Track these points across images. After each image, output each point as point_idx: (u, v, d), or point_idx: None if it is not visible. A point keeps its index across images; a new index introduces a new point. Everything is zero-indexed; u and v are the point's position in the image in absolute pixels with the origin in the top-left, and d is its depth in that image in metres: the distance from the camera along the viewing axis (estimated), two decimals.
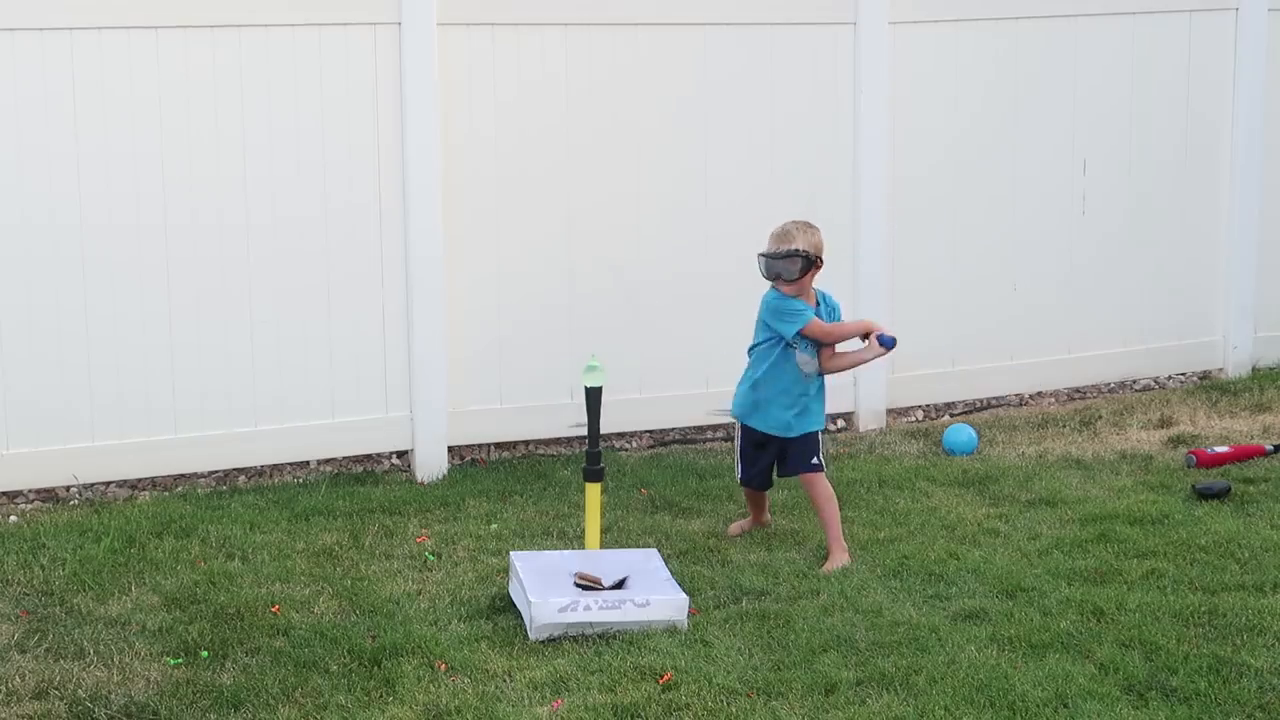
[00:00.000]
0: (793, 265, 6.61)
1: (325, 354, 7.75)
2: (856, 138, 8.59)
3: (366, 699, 5.33)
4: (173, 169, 7.38)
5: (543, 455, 8.24)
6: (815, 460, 6.68)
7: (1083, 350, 9.35)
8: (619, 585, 6.09)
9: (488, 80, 7.89)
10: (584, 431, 6.64)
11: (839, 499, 6.81)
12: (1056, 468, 7.92)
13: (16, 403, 7.26)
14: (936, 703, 5.21)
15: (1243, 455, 7.92)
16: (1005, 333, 9.11)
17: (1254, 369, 9.76)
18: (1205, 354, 9.71)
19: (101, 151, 7.25)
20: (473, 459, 8.15)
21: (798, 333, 6.63)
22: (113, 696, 5.30)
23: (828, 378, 6.82)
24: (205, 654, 5.66)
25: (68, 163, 7.22)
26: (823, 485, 6.69)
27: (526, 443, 8.26)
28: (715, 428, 8.56)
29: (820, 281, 6.81)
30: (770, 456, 6.82)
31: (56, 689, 5.36)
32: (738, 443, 6.90)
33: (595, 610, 5.82)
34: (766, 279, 6.71)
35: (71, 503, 7.39)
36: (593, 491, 6.42)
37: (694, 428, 8.55)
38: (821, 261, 6.69)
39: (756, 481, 6.90)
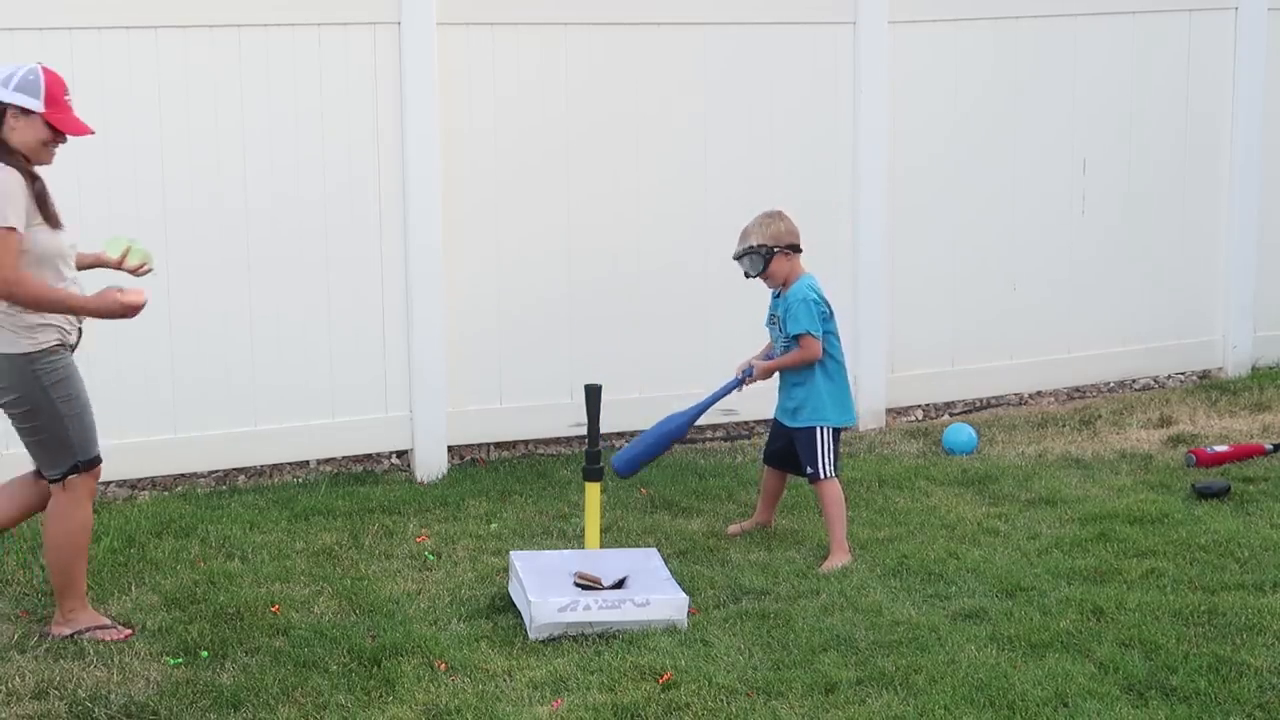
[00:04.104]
0: (752, 262, 6.69)
1: (325, 353, 7.75)
2: (856, 137, 8.59)
3: (366, 699, 5.33)
4: (172, 168, 7.38)
5: (543, 455, 8.23)
6: (810, 470, 6.66)
7: (1082, 349, 9.35)
8: (619, 585, 6.09)
9: (487, 81, 7.88)
10: (584, 431, 6.64)
11: None
12: (1056, 467, 7.92)
13: None
14: (936, 702, 5.21)
15: (1242, 454, 7.92)
16: (1005, 332, 9.11)
17: (1254, 368, 9.76)
18: (1205, 353, 9.71)
19: (101, 150, 7.23)
20: (472, 459, 8.15)
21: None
22: (113, 696, 5.30)
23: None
24: (205, 654, 5.66)
25: (67, 162, 7.19)
26: (828, 490, 6.65)
27: (526, 442, 8.26)
28: (715, 427, 8.55)
29: (820, 282, 6.79)
30: (783, 441, 6.81)
31: (56, 689, 5.36)
32: None
33: (595, 610, 5.81)
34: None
35: None
36: (592, 491, 6.42)
37: (694, 427, 8.53)
38: (786, 248, 6.68)
39: (773, 460, 6.91)
